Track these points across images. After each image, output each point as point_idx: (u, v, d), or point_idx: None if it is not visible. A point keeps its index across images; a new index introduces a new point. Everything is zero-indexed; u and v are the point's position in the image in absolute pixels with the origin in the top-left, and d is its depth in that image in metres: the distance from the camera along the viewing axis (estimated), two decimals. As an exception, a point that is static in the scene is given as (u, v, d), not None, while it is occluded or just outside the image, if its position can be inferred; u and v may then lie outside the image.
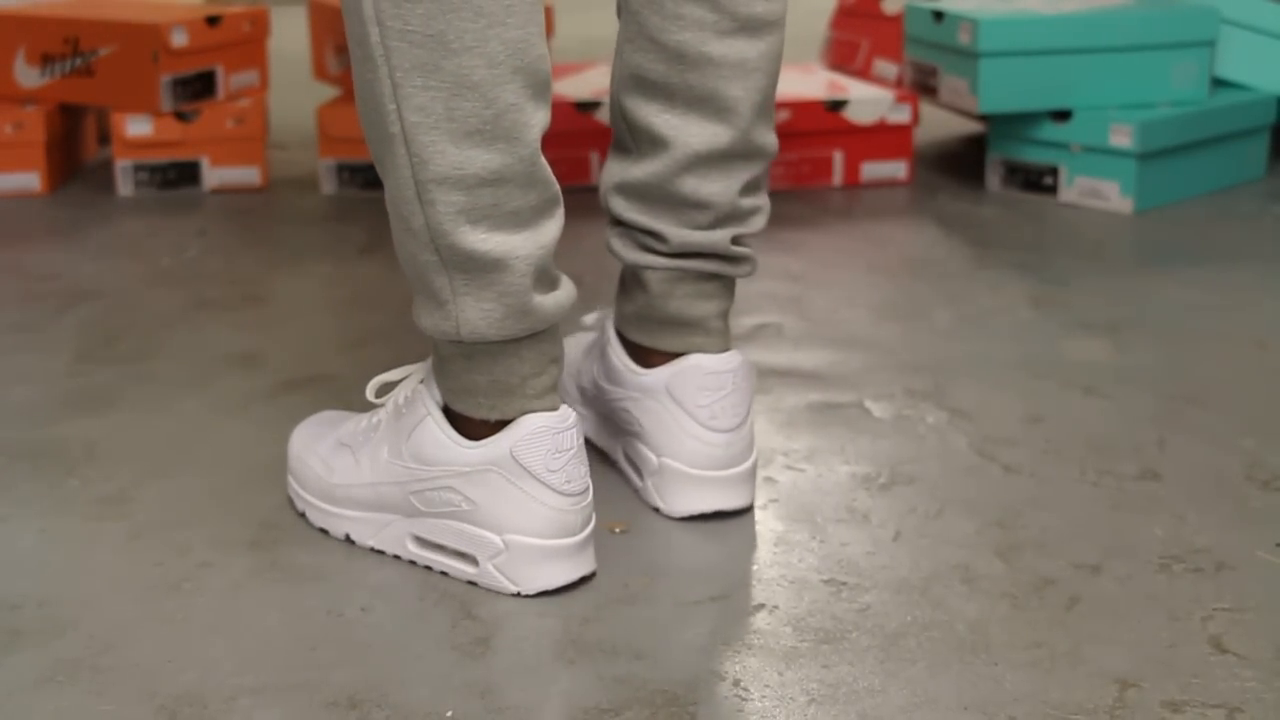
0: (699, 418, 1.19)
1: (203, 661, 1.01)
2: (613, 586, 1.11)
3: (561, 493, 1.08)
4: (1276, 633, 1.04)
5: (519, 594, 1.09)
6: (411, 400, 1.13)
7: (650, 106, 1.16)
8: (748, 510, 1.23)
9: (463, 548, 1.11)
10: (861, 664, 1.01)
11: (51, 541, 1.18)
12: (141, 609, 1.08)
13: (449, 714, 0.95)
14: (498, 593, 1.09)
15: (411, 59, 0.99)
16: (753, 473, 1.23)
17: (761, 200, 1.21)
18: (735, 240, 1.20)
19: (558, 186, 1.07)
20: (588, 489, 1.10)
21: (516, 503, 1.08)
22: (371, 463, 1.15)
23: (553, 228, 1.07)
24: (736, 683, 0.99)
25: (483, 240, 1.03)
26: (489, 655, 1.02)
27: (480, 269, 1.04)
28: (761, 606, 1.08)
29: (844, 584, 1.11)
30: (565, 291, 1.10)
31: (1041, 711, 0.95)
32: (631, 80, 1.17)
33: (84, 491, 1.27)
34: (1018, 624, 1.05)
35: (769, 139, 1.18)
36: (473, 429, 1.10)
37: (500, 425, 1.09)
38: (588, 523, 1.11)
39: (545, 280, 1.08)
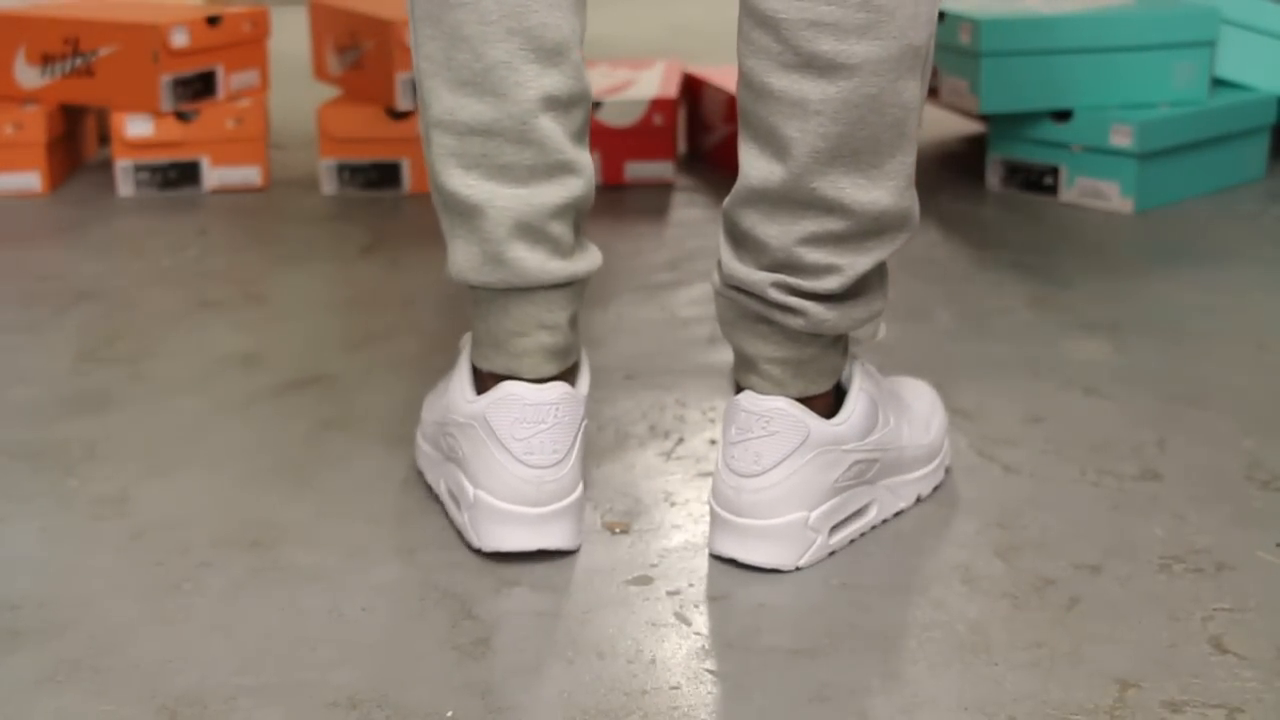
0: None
1: (203, 661, 1.01)
2: (612, 586, 1.11)
3: (522, 462, 1.11)
4: (1277, 633, 1.04)
5: (479, 551, 1.14)
6: (460, 348, 1.22)
7: (740, 130, 1.13)
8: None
9: (455, 493, 1.17)
10: (861, 664, 1.01)
11: (51, 541, 1.18)
12: (141, 609, 1.08)
13: (449, 714, 0.95)
14: (468, 544, 1.15)
15: (423, 10, 1.10)
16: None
17: (839, 259, 1.10)
18: (784, 287, 1.11)
19: (574, 157, 1.11)
20: (557, 464, 1.12)
21: (483, 461, 1.12)
22: (434, 403, 1.25)
23: (552, 191, 1.10)
24: (736, 683, 0.99)
25: (469, 186, 1.11)
26: (489, 655, 1.02)
27: (461, 212, 1.11)
28: (761, 606, 1.08)
29: (844, 584, 1.11)
30: (567, 261, 1.13)
31: (1041, 711, 0.95)
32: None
33: (84, 491, 1.27)
34: (1018, 624, 1.05)
35: (850, 195, 1.08)
36: (482, 382, 1.16)
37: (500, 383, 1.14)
38: (556, 498, 1.12)
39: (532, 237, 1.11)
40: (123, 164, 2.25)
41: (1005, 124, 2.21)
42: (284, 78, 2.99)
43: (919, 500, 1.23)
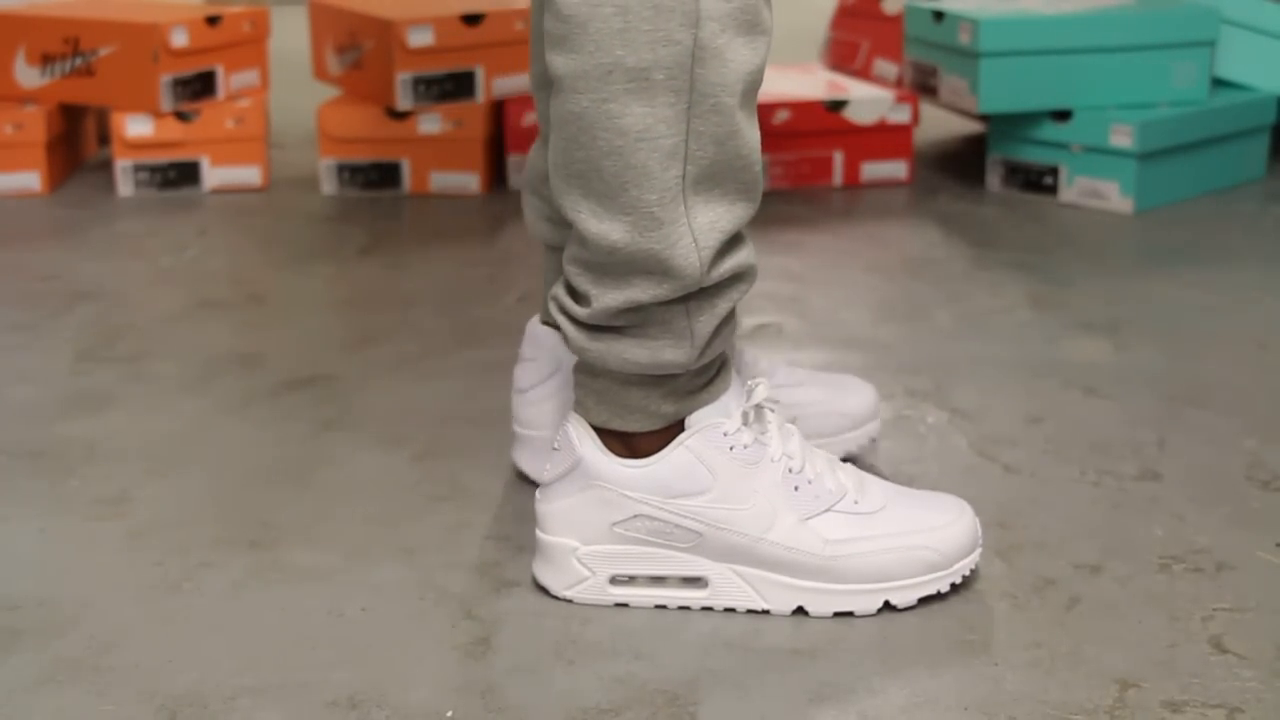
0: None
1: (203, 661, 1.01)
2: (613, 586, 1.11)
3: None
4: (1276, 633, 1.04)
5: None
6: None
7: None
8: None
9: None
10: (861, 664, 1.01)
11: (51, 541, 1.18)
12: (141, 609, 1.08)
13: (449, 714, 0.95)
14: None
15: None
16: None
17: (589, 287, 1.04)
18: (557, 302, 1.08)
19: None
20: None
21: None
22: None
23: None
24: (736, 683, 0.99)
25: None
26: (489, 655, 1.02)
27: None
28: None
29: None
30: None
31: (1041, 711, 0.95)
32: None
33: (84, 491, 1.27)
34: (1018, 624, 1.05)
35: (584, 221, 1.01)
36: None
37: None
38: None
39: None
40: (123, 164, 2.25)
41: (1005, 124, 2.21)
42: (284, 78, 2.99)
43: (800, 612, 1.07)
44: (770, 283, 1.82)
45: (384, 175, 2.26)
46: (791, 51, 3.12)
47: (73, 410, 1.44)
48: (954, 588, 1.08)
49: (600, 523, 1.07)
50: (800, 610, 1.07)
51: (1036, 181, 2.20)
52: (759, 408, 1.08)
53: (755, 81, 1.01)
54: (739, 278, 1.05)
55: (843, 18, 2.65)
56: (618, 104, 0.97)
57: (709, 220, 1.01)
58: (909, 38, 2.31)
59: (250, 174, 2.30)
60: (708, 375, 1.08)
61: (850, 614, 1.07)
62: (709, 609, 1.08)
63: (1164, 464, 1.31)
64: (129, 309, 1.74)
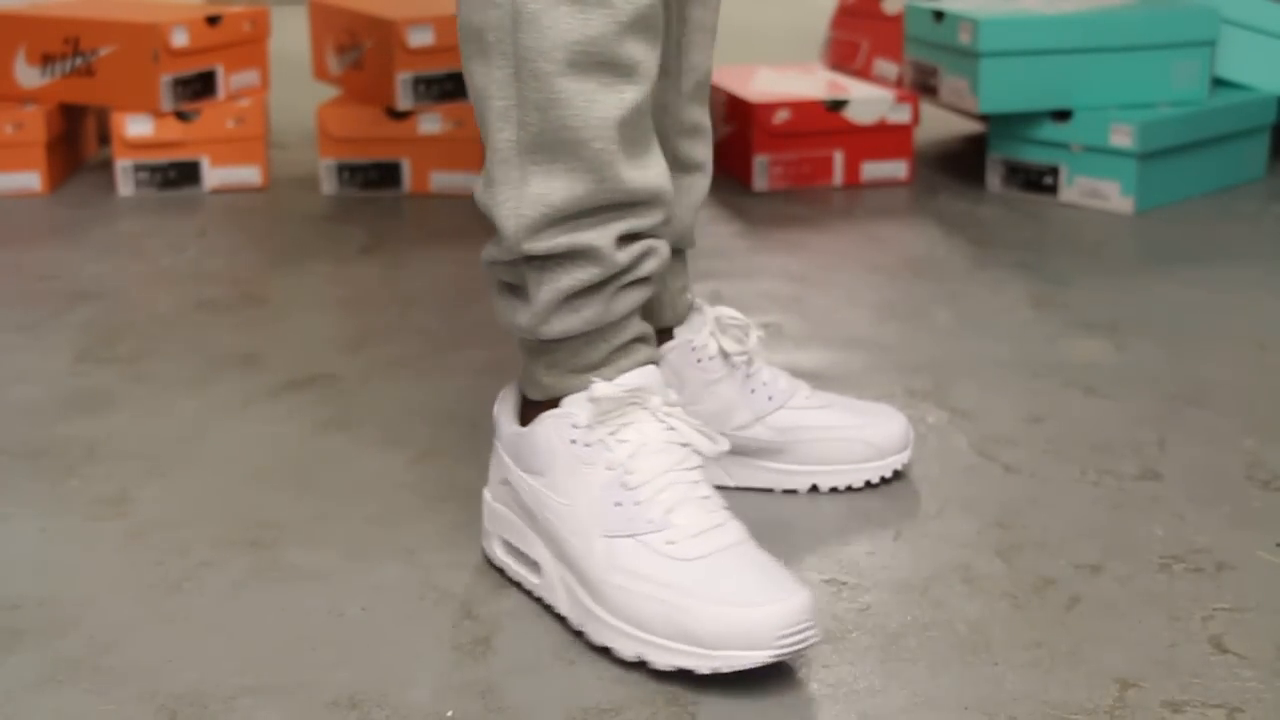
0: None
1: (203, 661, 1.01)
2: (613, 586, 1.11)
3: None
4: (1276, 633, 1.04)
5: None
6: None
7: None
8: None
9: None
10: (862, 664, 1.01)
11: (51, 541, 1.18)
12: (141, 609, 1.08)
13: (449, 714, 0.95)
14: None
15: None
16: None
17: None
18: None
19: None
20: None
21: None
22: None
23: None
24: (736, 683, 0.99)
25: None
26: (489, 655, 1.02)
27: None
28: (761, 606, 1.08)
29: (844, 584, 1.11)
30: None
31: (1041, 711, 0.95)
32: None
33: (84, 491, 1.27)
34: (1018, 624, 1.05)
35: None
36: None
37: None
38: None
39: None
40: (123, 164, 2.25)
41: (1005, 124, 2.21)
42: (284, 78, 2.99)
43: (579, 635, 1.03)
44: (770, 283, 1.82)
45: (384, 175, 2.26)
46: (791, 51, 3.12)
47: (73, 410, 1.44)
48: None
49: (494, 478, 1.13)
50: (580, 633, 1.03)
51: (1036, 181, 2.20)
52: (638, 406, 1.05)
53: (587, 53, 1.00)
54: (575, 257, 1.04)
55: (843, 17, 2.65)
56: (471, 63, 1.03)
57: (540, 192, 1.03)
58: (909, 38, 2.31)
59: (250, 174, 2.30)
60: (590, 357, 1.07)
61: (608, 651, 1.00)
62: (540, 601, 1.07)
63: (1164, 464, 1.31)
64: (129, 309, 1.74)
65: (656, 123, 1.17)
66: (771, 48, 3.11)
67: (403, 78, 2.21)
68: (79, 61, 2.26)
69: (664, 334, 1.24)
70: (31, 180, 2.25)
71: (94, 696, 0.97)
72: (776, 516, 1.22)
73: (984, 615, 1.06)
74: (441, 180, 2.26)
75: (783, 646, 0.96)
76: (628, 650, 0.99)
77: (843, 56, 2.62)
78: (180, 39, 2.24)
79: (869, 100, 2.27)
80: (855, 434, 1.25)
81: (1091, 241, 1.99)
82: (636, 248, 1.06)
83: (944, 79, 2.21)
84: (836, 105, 2.26)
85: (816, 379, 1.49)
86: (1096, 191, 2.14)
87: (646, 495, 1.02)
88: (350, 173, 2.26)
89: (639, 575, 1.00)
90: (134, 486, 1.28)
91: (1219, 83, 2.25)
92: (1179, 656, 1.01)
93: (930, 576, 1.12)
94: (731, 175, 2.31)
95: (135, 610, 1.08)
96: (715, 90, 2.38)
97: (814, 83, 2.40)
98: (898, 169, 2.30)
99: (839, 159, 2.28)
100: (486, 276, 1.10)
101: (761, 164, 2.25)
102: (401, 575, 1.12)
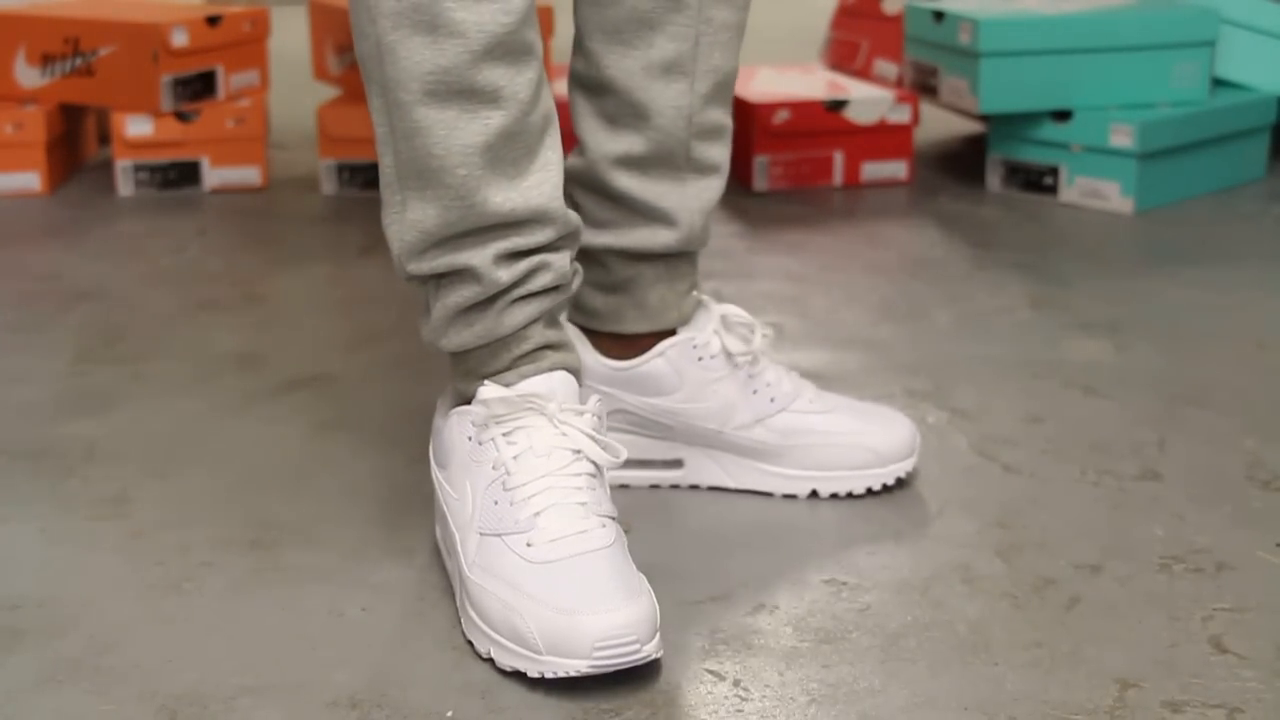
0: None
1: (203, 661, 1.01)
2: (613, 586, 1.11)
3: None
4: (1277, 633, 1.04)
5: None
6: None
7: None
8: None
9: None
10: (862, 664, 1.01)
11: (51, 541, 1.18)
12: (141, 609, 1.08)
13: (449, 714, 0.95)
14: None
15: None
16: None
17: None
18: None
19: None
20: None
21: None
22: None
23: None
24: (736, 683, 0.99)
25: None
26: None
27: None
28: (761, 606, 1.08)
29: (844, 584, 1.11)
30: None
31: (1041, 711, 0.95)
32: None
33: (84, 491, 1.27)
34: (1018, 624, 1.05)
35: None
36: None
37: None
38: None
39: None
40: (123, 164, 2.25)
41: (1005, 124, 2.21)
42: (284, 78, 2.99)
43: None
44: (770, 283, 1.82)
45: (384, 175, 2.26)
46: (791, 51, 3.12)
47: (73, 410, 1.44)
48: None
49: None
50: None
51: (1036, 181, 2.20)
52: (535, 411, 1.06)
53: (443, 82, 1.02)
54: (455, 277, 1.08)
55: (843, 18, 2.65)
56: (366, 89, 1.07)
57: (415, 217, 1.06)
58: (909, 38, 2.31)
59: (250, 174, 2.30)
60: (493, 365, 1.10)
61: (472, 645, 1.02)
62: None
63: (1164, 464, 1.31)
64: (129, 309, 1.74)
65: (668, 124, 1.17)
66: (771, 48, 3.11)
67: (403, 78, 2.21)
68: (79, 61, 2.26)
69: (669, 336, 1.24)
70: (31, 180, 2.25)
71: (94, 696, 0.97)
72: (777, 518, 1.22)
73: (984, 615, 1.06)
74: (441, 180, 2.26)
75: (598, 659, 0.95)
76: (481, 647, 1.01)
77: (843, 57, 2.62)
78: (180, 39, 2.24)
79: (869, 100, 2.27)
80: (857, 439, 1.24)
81: (1091, 242, 1.99)
82: (522, 265, 1.07)
83: (944, 79, 2.21)
84: (836, 105, 2.26)
85: (816, 379, 1.49)
86: (1097, 192, 2.14)
87: (521, 497, 1.03)
88: (350, 173, 2.26)
89: (492, 574, 1.02)
90: (134, 487, 1.28)
91: (1219, 83, 2.25)
92: (1179, 657, 1.01)
93: (930, 577, 1.12)
94: (731, 175, 2.31)
95: (135, 610, 1.08)
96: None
97: (814, 83, 2.40)
98: (898, 169, 2.31)
99: (839, 159, 2.28)
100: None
101: (761, 164, 2.25)
102: (401, 575, 1.12)
